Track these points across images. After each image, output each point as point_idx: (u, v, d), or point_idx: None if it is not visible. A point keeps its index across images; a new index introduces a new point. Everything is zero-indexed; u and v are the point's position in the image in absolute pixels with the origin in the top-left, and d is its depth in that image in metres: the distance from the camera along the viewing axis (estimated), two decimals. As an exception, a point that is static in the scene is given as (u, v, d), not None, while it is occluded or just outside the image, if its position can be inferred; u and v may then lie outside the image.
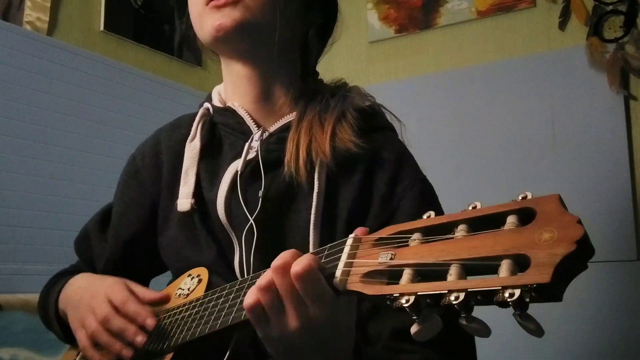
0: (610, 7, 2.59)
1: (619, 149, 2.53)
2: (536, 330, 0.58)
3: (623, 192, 2.50)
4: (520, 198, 0.64)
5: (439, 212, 1.13)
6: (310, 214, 1.10)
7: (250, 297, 0.83)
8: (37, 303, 1.35)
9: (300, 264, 0.78)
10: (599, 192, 2.53)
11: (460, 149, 2.85)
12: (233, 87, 1.23)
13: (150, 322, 1.07)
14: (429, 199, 1.15)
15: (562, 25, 2.73)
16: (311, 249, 1.07)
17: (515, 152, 2.72)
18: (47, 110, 2.49)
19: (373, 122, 1.20)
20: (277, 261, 0.81)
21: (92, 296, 1.15)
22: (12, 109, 2.37)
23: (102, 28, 2.81)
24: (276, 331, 0.83)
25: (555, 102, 2.67)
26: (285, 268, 0.80)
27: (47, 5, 2.57)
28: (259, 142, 1.16)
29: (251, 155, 1.16)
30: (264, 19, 1.11)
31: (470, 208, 0.68)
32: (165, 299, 1.16)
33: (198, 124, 1.24)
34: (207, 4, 1.11)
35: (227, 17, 1.09)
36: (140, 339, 1.06)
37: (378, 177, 1.13)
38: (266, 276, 0.82)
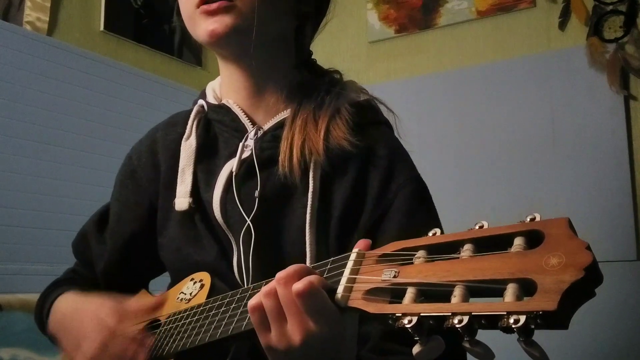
0: (610, 7, 2.58)
1: (619, 149, 2.53)
2: (540, 357, 0.57)
3: (623, 192, 2.50)
4: (528, 219, 0.64)
5: (432, 211, 1.13)
6: (305, 212, 1.09)
7: (255, 299, 0.84)
8: (34, 315, 1.34)
9: (303, 281, 0.79)
10: (599, 192, 2.53)
11: (460, 149, 2.85)
12: (228, 82, 1.23)
13: (147, 341, 1.06)
14: (422, 198, 1.15)
15: (562, 25, 2.72)
16: (307, 248, 1.08)
17: (515, 152, 2.72)
18: (47, 110, 2.49)
19: (369, 116, 1.19)
20: (282, 273, 0.81)
21: (81, 323, 1.13)
22: (12, 109, 2.37)
23: (102, 28, 2.80)
24: (277, 340, 0.83)
25: (555, 102, 2.67)
26: (287, 280, 0.80)
27: (47, 5, 2.57)
28: (253, 140, 1.15)
29: (246, 154, 1.15)
30: (256, 22, 1.09)
31: (477, 227, 0.68)
32: (160, 303, 1.15)
33: (193, 121, 1.23)
34: (198, 7, 1.09)
35: (220, 23, 1.07)
36: (141, 358, 1.05)
37: (371, 175, 1.12)
38: (272, 283, 0.82)
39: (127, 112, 2.82)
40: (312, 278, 0.79)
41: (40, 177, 2.44)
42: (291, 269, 0.81)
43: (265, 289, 0.82)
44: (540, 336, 0.58)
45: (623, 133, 2.53)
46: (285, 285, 0.80)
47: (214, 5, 1.07)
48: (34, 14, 2.51)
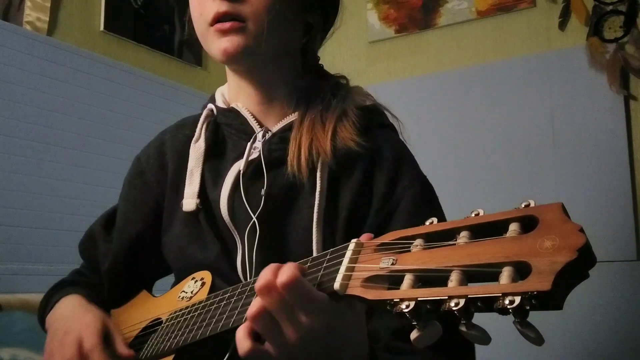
0: (610, 7, 2.59)
1: (619, 149, 2.53)
2: (536, 338, 0.57)
3: (623, 192, 2.50)
4: (522, 206, 0.64)
5: (439, 212, 1.13)
6: (312, 212, 1.10)
7: (243, 328, 0.83)
8: (38, 313, 1.34)
9: (285, 273, 0.78)
10: (599, 192, 2.53)
11: (460, 149, 2.86)
12: (236, 88, 1.24)
13: None
14: (428, 199, 1.15)
15: (562, 25, 2.73)
16: (314, 247, 1.08)
17: (515, 152, 2.73)
18: (47, 110, 2.49)
19: (375, 120, 1.20)
20: (259, 282, 0.79)
21: (66, 332, 1.13)
22: (12, 109, 2.37)
23: (102, 28, 2.81)
24: (279, 350, 0.82)
25: (555, 102, 2.67)
26: (269, 287, 0.79)
27: (47, 5, 2.57)
28: (261, 142, 1.17)
29: (254, 155, 1.16)
30: (266, 40, 1.11)
31: (473, 215, 0.68)
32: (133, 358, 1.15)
33: (202, 124, 1.24)
34: (211, 25, 1.11)
35: (232, 43, 1.10)
36: None
37: (378, 176, 1.13)
38: (254, 304, 0.81)
39: (127, 112, 2.82)
40: (293, 267, 0.79)
41: (40, 177, 2.44)
42: (266, 271, 0.80)
43: (250, 312, 0.81)
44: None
45: (623, 133, 2.54)
46: (269, 291, 0.79)
47: (226, 25, 1.10)
48: (34, 14, 2.52)
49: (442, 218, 1.13)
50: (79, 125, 2.61)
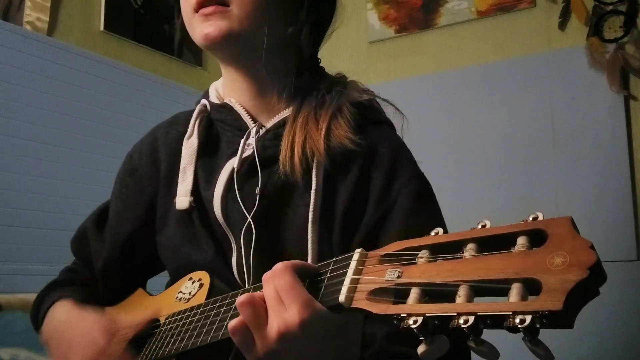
0: (610, 7, 2.59)
1: (619, 149, 2.53)
2: (545, 355, 0.57)
3: (623, 192, 2.50)
4: (531, 219, 0.63)
5: (436, 210, 1.12)
6: (308, 210, 1.08)
7: (234, 321, 0.84)
8: (30, 315, 1.34)
9: (273, 271, 0.82)
10: (599, 192, 2.53)
11: (460, 149, 2.85)
12: (230, 83, 1.22)
13: None
14: (425, 196, 1.14)
15: (562, 25, 2.73)
16: (309, 246, 1.07)
17: (515, 152, 2.72)
18: (47, 110, 2.49)
19: (370, 116, 1.18)
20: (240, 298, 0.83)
21: (73, 338, 1.14)
22: (12, 109, 2.37)
23: (102, 28, 2.81)
24: (261, 348, 0.82)
25: (555, 102, 2.67)
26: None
27: (47, 5, 2.57)
28: (255, 138, 1.15)
29: (248, 152, 1.14)
30: (251, 27, 1.10)
31: (480, 227, 0.67)
32: (152, 314, 1.16)
33: (195, 120, 1.22)
34: (196, 11, 1.10)
35: (215, 27, 1.08)
36: None
37: (374, 174, 1.11)
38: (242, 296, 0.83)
39: (127, 112, 2.82)
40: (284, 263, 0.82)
41: (40, 177, 2.44)
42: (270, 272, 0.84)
43: (238, 301, 0.83)
44: (540, 336, 0.58)
45: (623, 133, 2.53)
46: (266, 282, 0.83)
47: (210, 9, 1.08)
48: (34, 14, 2.52)
49: (439, 216, 1.13)
50: (79, 125, 2.61)
